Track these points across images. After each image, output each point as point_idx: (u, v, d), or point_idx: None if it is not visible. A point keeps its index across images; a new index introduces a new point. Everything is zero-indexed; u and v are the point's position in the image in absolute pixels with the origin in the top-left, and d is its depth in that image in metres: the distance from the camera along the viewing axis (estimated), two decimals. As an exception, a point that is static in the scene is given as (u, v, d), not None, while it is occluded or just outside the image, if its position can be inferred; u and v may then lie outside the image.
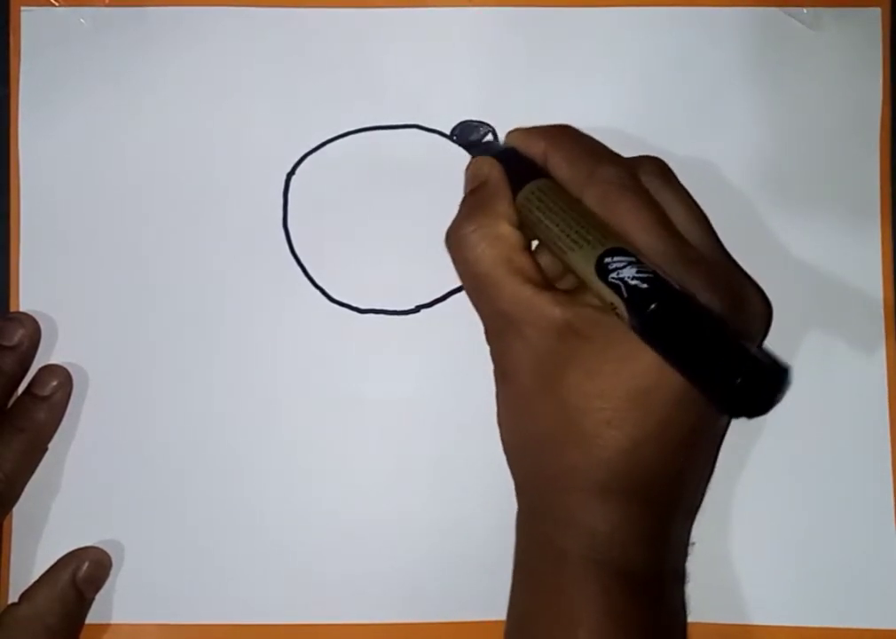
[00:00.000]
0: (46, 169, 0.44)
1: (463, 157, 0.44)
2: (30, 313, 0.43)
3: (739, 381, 0.33)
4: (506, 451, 0.40)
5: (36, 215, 0.44)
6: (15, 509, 0.43)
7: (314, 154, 0.44)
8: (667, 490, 0.38)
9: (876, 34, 0.44)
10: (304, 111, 0.44)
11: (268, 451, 0.43)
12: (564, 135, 0.41)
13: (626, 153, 0.42)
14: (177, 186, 0.44)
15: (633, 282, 0.35)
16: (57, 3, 0.44)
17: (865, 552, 0.43)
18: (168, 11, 0.45)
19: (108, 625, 0.43)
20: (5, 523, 0.43)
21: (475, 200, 0.40)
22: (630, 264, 0.35)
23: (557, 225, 0.38)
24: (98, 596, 0.42)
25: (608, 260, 0.36)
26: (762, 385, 0.33)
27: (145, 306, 0.44)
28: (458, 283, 0.43)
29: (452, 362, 0.43)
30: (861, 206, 0.44)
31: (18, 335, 0.43)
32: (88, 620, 0.42)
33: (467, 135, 0.44)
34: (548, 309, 0.37)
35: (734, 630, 0.42)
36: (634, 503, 0.37)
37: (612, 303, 0.36)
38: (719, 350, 0.33)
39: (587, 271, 0.36)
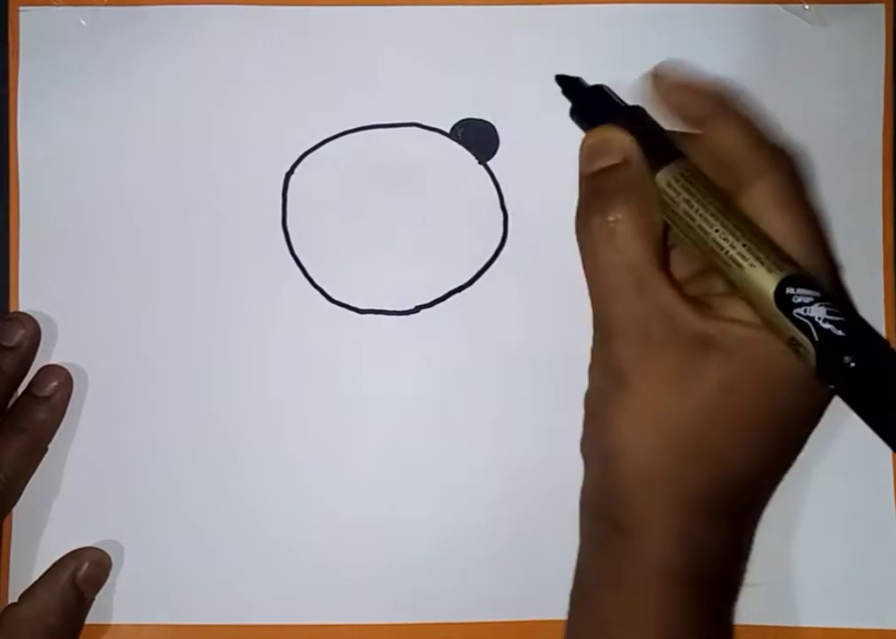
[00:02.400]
0: (45, 168, 0.44)
1: (462, 156, 0.43)
2: (30, 313, 0.43)
3: None
4: (604, 457, 0.36)
5: (36, 215, 0.44)
6: (15, 510, 0.43)
7: (313, 154, 0.44)
8: (756, 508, 0.38)
9: (878, 30, 0.44)
10: (303, 110, 0.44)
11: (268, 451, 0.43)
12: (738, 104, 0.36)
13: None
14: (176, 186, 0.44)
15: (827, 326, 0.32)
16: (55, 3, 0.44)
17: (865, 552, 0.43)
18: (166, 10, 0.44)
19: (108, 625, 0.43)
20: (5, 523, 0.43)
21: (618, 180, 0.35)
22: (817, 300, 0.33)
23: (716, 229, 0.34)
24: (97, 597, 0.42)
25: (790, 291, 0.33)
26: None
27: (144, 306, 0.44)
28: (458, 283, 0.43)
29: (452, 362, 0.43)
30: (863, 203, 0.44)
31: (18, 336, 0.43)
32: (88, 621, 0.42)
33: (579, 98, 0.38)
34: (691, 319, 0.34)
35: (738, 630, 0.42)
36: (732, 522, 0.36)
37: (793, 339, 0.33)
38: None
39: (762, 296, 0.33)
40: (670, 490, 0.35)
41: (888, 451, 0.43)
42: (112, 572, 0.43)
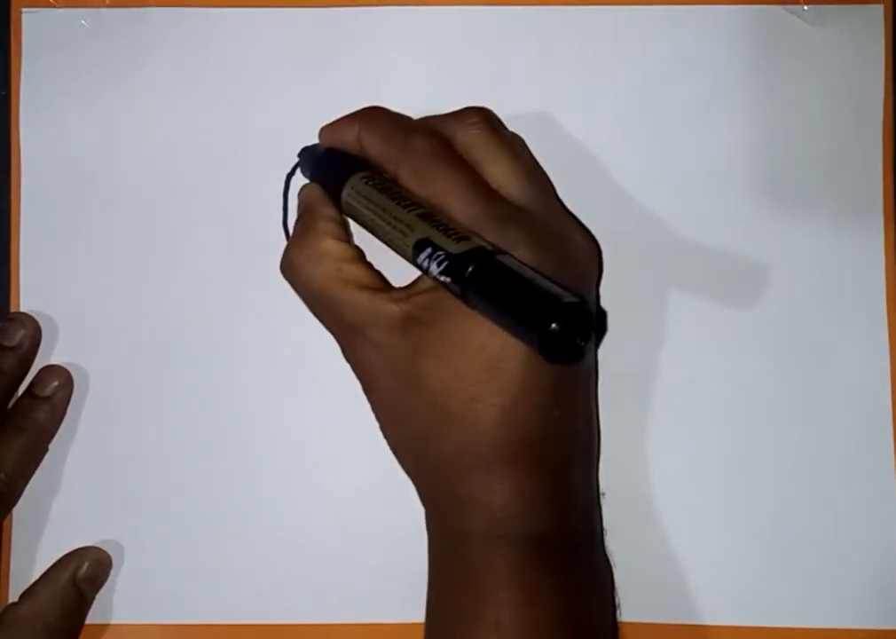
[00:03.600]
0: (46, 169, 0.44)
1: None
2: (31, 314, 0.43)
3: (547, 326, 0.32)
4: (396, 458, 0.40)
5: (37, 215, 0.44)
6: (16, 509, 0.43)
7: (313, 154, 0.44)
8: (550, 450, 0.38)
9: (878, 30, 0.44)
10: (304, 111, 0.44)
11: (268, 451, 0.43)
12: (374, 114, 0.41)
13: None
14: (177, 187, 0.44)
15: (442, 278, 0.35)
16: (57, 5, 0.44)
17: (865, 552, 0.42)
18: (168, 11, 0.45)
19: (108, 625, 0.43)
20: (6, 523, 0.43)
21: (299, 226, 0.41)
22: (430, 257, 0.36)
23: (378, 221, 0.38)
24: (98, 596, 0.42)
25: (417, 259, 0.36)
26: (567, 328, 0.32)
27: (145, 306, 0.44)
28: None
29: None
30: (864, 204, 0.44)
31: (18, 336, 0.43)
32: (88, 620, 0.42)
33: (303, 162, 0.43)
34: (386, 307, 0.37)
35: (733, 631, 0.42)
36: (522, 470, 0.37)
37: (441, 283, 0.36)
38: (527, 299, 0.33)
39: (410, 258, 0.37)
40: (441, 460, 0.38)
41: (889, 451, 0.43)
42: (112, 572, 0.43)
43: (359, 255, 0.40)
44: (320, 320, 0.40)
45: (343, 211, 0.40)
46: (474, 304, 0.35)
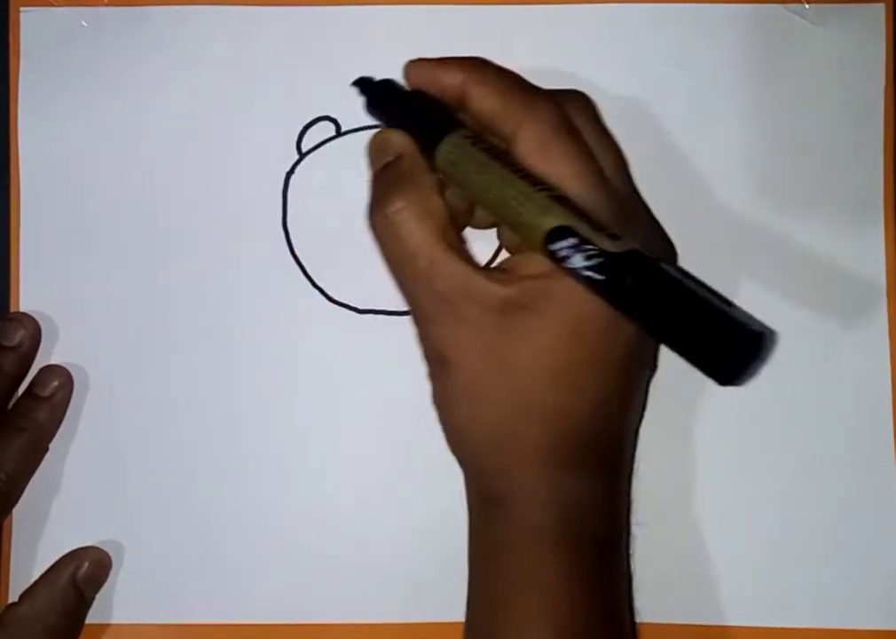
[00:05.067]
0: (46, 169, 0.44)
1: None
2: (31, 314, 0.43)
3: (725, 347, 0.31)
4: (454, 441, 0.38)
5: (37, 215, 0.44)
6: (16, 509, 0.43)
7: (313, 153, 0.44)
8: (622, 452, 0.38)
9: (878, 30, 0.44)
10: (304, 110, 0.44)
11: (268, 451, 0.43)
12: (486, 65, 0.38)
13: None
14: (177, 186, 0.44)
15: (587, 274, 0.34)
16: (56, 4, 0.44)
17: (866, 552, 0.42)
18: (167, 10, 0.44)
19: (108, 625, 0.43)
20: (6, 523, 0.43)
21: (392, 174, 0.37)
22: (575, 248, 0.34)
23: (495, 188, 0.35)
24: (98, 596, 0.42)
25: (552, 247, 0.34)
26: (748, 350, 0.32)
27: (145, 306, 0.44)
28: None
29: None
30: (864, 203, 0.44)
31: (18, 336, 0.43)
32: (88, 620, 0.42)
33: (371, 97, 0.40)
34: (488, 286, 0.35)
35: (733, 632, 0.42)
36: (601, 472, 0.37)
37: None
38: (705, 321, 0.32)
39: (534, 239, 0.35)
40: (522, 453, 0.36)
41: (891, 451, 0.43)
42: (112, 572, 0.43)
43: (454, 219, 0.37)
44: (401, 283, 0.37)
45: (438, 169, 0.37)
46: (627, 311, 0.34)
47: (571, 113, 0.37)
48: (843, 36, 0.44)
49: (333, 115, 0.44)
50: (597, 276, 0.33)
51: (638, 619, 0.42)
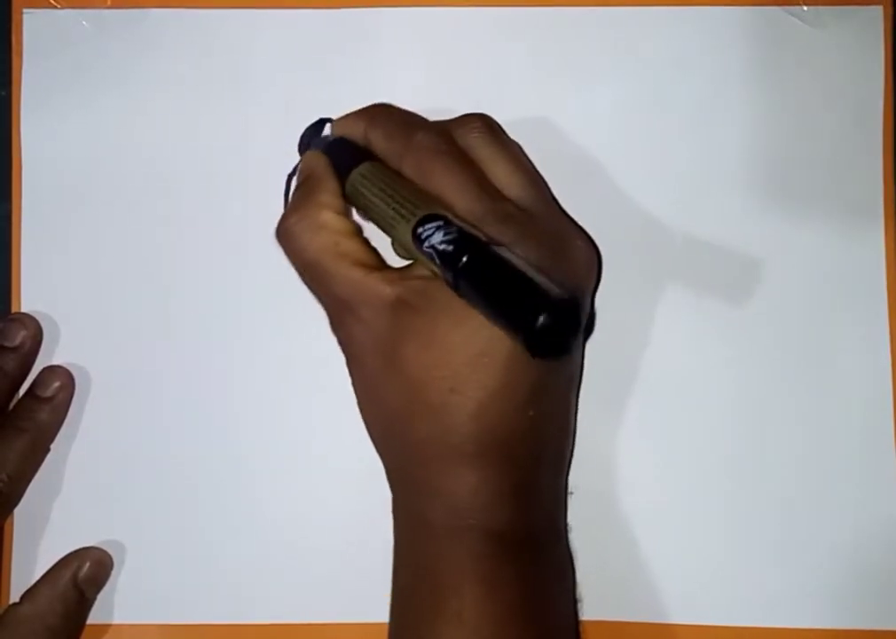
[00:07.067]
0: (47, 170, 0.44)
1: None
2: (32, 314, 0.44)
3: (534, 318, 0.32)
4: (369, 435, 0.40)
5: (38, 216, 0.44)
6: (17, 510, 0.43)
7: (314, 155, 0.44)
8: (523, 446, 0.38)
9: (877, 32, 0.44)
10: (305, 111, 0.44)
11: (268, 451, 0.43)
12: (381, 111, 0.42)
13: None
14: (178, 187, 0.44)
15: (442, 246, 0.35)
16: (58, 5, 0.44)
17: (866, 552, 0.43)
18: (169, 12, 0.45)
19: (109, 625, 0.43)
20: (7, 523, 0.43)
21: (299, 193, 0.41)
22: (438, 228, 0.36)
23: (382, 204, 0.38)
24: (99, 597, 0.42)
25: (419, 230, 0.36)
26: (554, 322, 0.32)
27: (146, 307, 0.44)
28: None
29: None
30: (864, 203, 0.44)
31: (20, 336, 0.43)
32: (89, 621, 0.42)
33: (307, 140, 0.43)
34: (379, 287, 0.37)
35: (733, 632, 0.42)
36: (490, 464, 0.37)
37: (434, 271, 0.36)
38: (517, 291, 0.34)
39: (408, 243, 0.37)
40: (411, 448, 0.38)
41: (890, 450, 0.43)
42: (113, 572, 0.43)
43: (357, 230, 0.40)
44: (310, 290, 0.40)
45: (346, 194, 0.40)
46: (464, 293, 0.35)
47: (458, 134, 0.39)
48: (842, 38, 0.44)
49: (333, 116, 0.44)
50: (449, 248, 0.35)
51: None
